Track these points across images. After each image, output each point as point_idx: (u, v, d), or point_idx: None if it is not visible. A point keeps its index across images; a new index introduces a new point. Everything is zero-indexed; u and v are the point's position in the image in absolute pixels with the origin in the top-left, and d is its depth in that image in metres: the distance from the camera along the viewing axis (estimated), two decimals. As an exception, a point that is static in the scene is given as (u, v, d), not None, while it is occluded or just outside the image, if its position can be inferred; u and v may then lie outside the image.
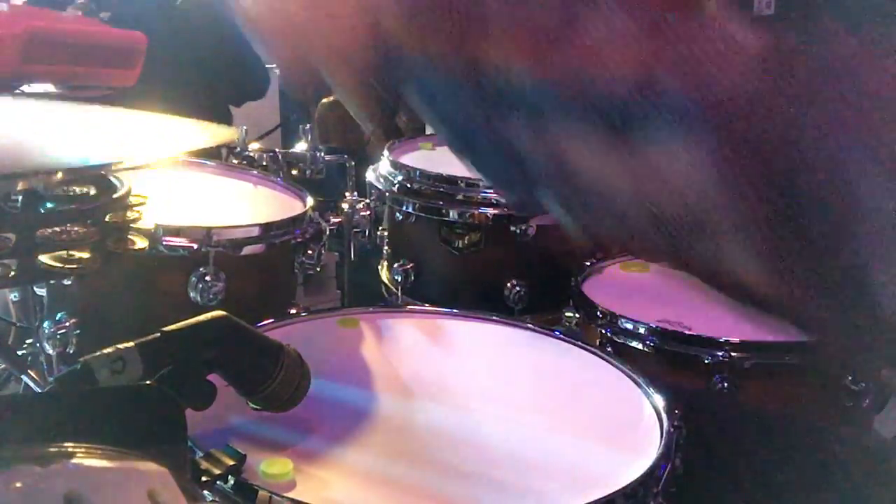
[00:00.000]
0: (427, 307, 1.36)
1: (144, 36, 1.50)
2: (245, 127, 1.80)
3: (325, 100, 3.90)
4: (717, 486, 0.76)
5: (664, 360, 1.32)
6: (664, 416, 0.97)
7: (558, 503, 0.84)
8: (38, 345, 1.35)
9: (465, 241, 1.54)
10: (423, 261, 1.60)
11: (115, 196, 0.84)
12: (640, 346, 1.33)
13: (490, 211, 1.53)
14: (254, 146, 1.75)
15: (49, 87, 1.49)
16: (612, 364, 1.12)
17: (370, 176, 1.70)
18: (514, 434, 0.93)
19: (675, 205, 0.41)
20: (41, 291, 1.38)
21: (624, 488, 0.82)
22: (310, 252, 1.43)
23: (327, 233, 1.51)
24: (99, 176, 0.83)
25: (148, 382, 0.74)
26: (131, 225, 0.87)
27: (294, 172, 1.75)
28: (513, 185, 0.50)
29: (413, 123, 4.43)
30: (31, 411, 0.62)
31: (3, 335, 1.61)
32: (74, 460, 0.49)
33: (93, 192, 0.83)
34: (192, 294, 1.28)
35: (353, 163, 1.88)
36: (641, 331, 1.33)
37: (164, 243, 1.27)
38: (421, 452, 0.92)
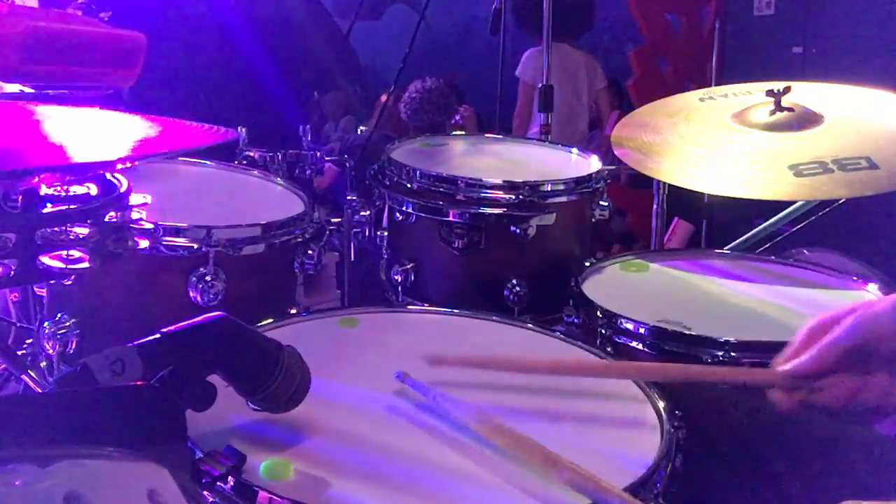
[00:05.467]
0: (427, 307, 1.36)
1: (144, 36, 1.50)
2: (245, 128, 1.80)
3: (418, 81, 3.93)
4: (718, 487, 0.76)
5: (664, 361, 1.32)
6: (664, 416, 0.97)
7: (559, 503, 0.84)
8: (38, 345, 1.35)
9: (465, 241, 1.53)
10: (423, 261, 1.60)
11: (115, 196, 0.84)
12: (640, 346, 1.33)
13: (490, 211, 1.52)
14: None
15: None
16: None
17: (370, 176, 1.70)
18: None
19: None
20: (41, 291, 1.38)
21: (624, 489, 0.82)
22: (310, 252, 1.43)
23: (327, 233, 1.50)
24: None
25: (148, 383, 0.74)
26: (131, 225, 0.87)
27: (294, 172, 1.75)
28: None
29: (415, 123, 4.41)
30: (32, 412, 0.62)
31: (3, 335, 1.61)
32: (74, 460, 0.49)
33: (93, 192, 0.83)
34: (192, 294, 1.28)
35: (352, 163, 1.88)
36: (641, 331, 1.32)
37: (164, 243, 1.27)
38: (421, 452, 0.92)
